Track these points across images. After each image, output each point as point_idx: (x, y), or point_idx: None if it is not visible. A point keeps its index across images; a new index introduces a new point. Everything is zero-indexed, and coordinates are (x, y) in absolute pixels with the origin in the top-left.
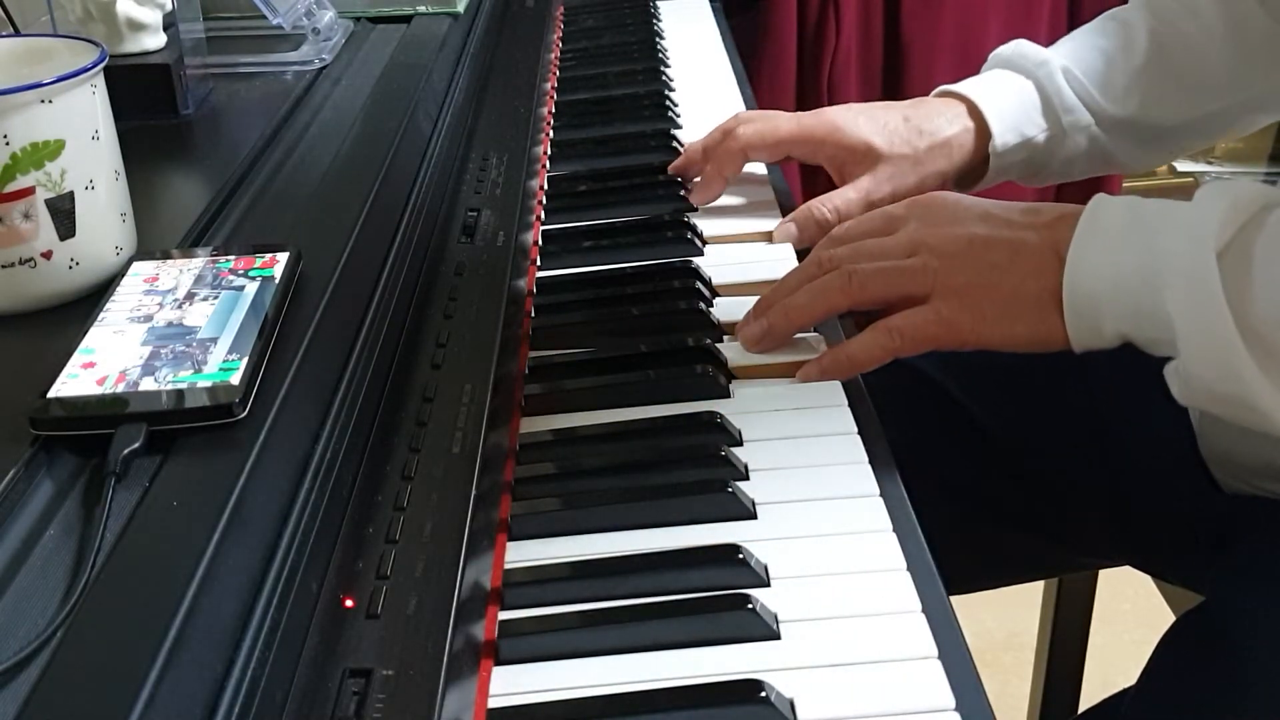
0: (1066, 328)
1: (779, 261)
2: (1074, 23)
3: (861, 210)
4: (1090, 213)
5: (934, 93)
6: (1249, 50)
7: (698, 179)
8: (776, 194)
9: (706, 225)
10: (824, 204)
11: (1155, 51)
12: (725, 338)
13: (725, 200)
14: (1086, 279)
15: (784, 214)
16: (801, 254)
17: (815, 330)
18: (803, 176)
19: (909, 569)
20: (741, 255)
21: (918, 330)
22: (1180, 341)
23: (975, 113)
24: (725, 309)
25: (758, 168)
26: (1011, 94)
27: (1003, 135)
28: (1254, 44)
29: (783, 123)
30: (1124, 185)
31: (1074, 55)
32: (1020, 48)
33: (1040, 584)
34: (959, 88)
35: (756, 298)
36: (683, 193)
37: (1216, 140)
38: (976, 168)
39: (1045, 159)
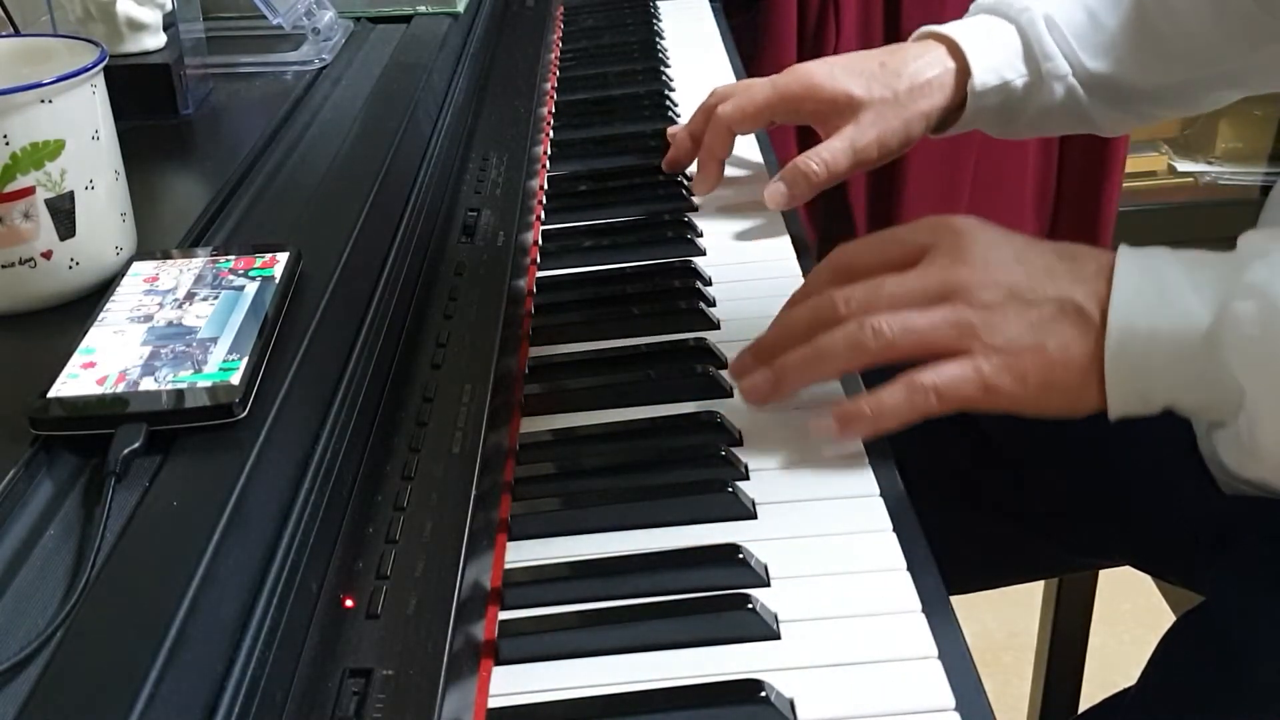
0: (1107, 396)
1: (779, 260)
2: None
3: (849, 160)
4: (1126, 270)
5: (914, 35)
6: (1229, 26)
7: (693, 169)
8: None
9: (706, 225)
10: (810, 158)
11: (1137, 13)
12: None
13: (728, 212)
14: (1138, 347)
15: (782, 214)
16: (801, 255)
17: None
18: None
19: (909, 569)
20: (742, 255)
21: (957, 393)
22: (1249, 406)
23: (957, 53)
24: (725, 309)
25: (753, 154)
26: (993, 36)
27: (982, 75)
28: (1234, 21)
29: (758, 90)
30: (1123, 185)
31: (1058, 5)
32: None
33: (1040, 584)
34: (942, 29)
35: (751, 289)
36: (684, 192)
37: (1187, 113)
38: (955, 110)
39: (1020, 106)
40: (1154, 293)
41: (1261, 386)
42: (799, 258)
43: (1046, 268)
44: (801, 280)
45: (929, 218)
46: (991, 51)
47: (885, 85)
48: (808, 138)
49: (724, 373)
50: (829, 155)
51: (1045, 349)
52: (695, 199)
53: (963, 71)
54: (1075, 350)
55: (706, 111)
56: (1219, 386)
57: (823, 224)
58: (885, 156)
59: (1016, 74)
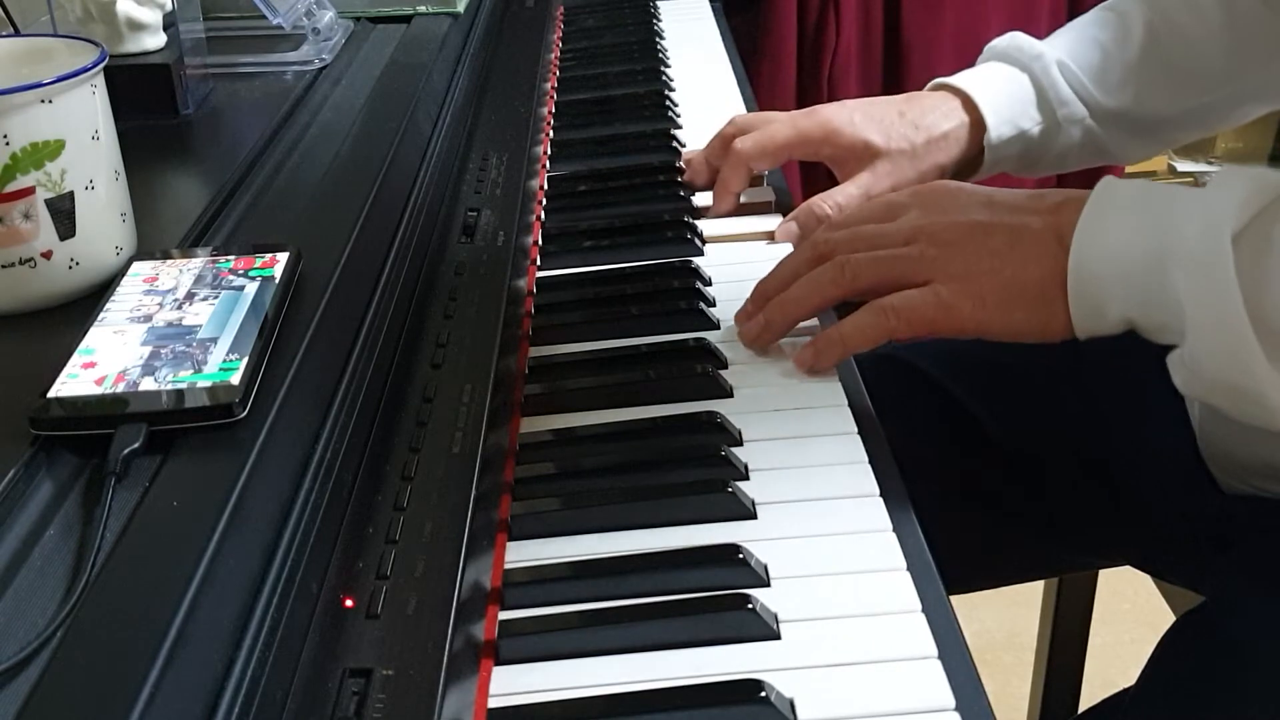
0: (1070, 312)
1: (779, 260)
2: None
3: None
4: (1098, 195)
5: (929, 85)
6: (1245, 41)
7: (707, 192)
8: (776, 193)
9: (707, 226)
10: (825, 201)
11: (1150, 43)
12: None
13: (727, 214)
14: (1093, 262)
15: (783, 213)
16: None
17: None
18: (802, 173)
19: (909, 569)
20: (742, 255)
21: (914, 311)
22: (1188, 328)
23: (970, 106)
24: (725, 309)
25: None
26: (1006, 87)
27: (998, 128)
28: (1251, 35)
29: (779, 130)
30: None
31: (1069, 48)
32: (1015, 40)
33: (1040, 584)
34: (954, 81)
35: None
36: (684, 192)
37: (1212, 131)
38: (973, 160)
39: (1040, 151)
40: (1116, 215)
41: (1201, 306)
42: None
43: (1010, 206)
44: None
45: (918, 185)
46: (1005, 104)
47: (903, 136)
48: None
49: (724, 373)
50: (843, 200)
51: (1001, 272)
52: (695, 199)
53: (977, 125)
54: (1034, 271)
55: (725, 141)
56: (1166, 306)
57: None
58: None
59: (1032, 122)
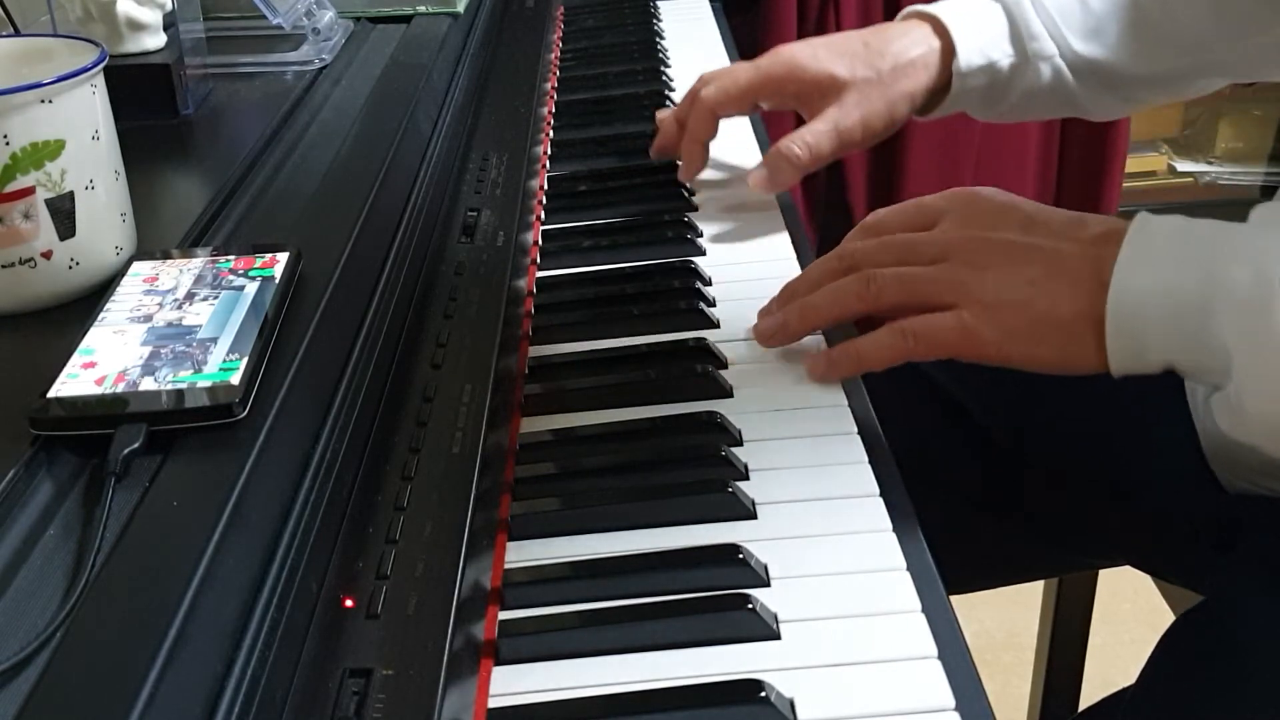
0: (1107, 352)
1: (779, 260)
2: None
3: (833, 143)
4: (1136, 233)
5: (900, 14)
6: (1224, 16)
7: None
8: (779, 205)
9: (706, 225)
10: (793, 141)
11: None
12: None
13: (728, 212)
14: (1133, 304)
15: (782, 214)
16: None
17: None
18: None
19: (909, 569)
20: (742, 255)
21: (935, 336)
22: (1237, 372)
23: (942, 31)
24: (725, 309)
25: (750, 148)
26: (979, 15)
27: (968, 56)
28: (1231, 12)
29: (741, 73)
30: (1123, 185)
31: None
32: None
33: (1040, 584)
34: (927, 8)
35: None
36: (684, 192)
37: (1179, 98)
38: (940, 90)
39: (1006, 87)
40: (1156, 253)
41: (1249, 351)
42: (798, 257)
43: (1048, 228)
44: None
45: (956, 189)
46: (977, 31)
47: (869, 65)
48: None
49: (724, 373)
50: (811, 138)
51: (1033, 304)
52: (695, 198)
53: (947, 51)
54: (1065, 307)
55: (692, 96)
56: (1211, 349)
57: (822, 223)
58: (870, 139)
59: (1002, 54)
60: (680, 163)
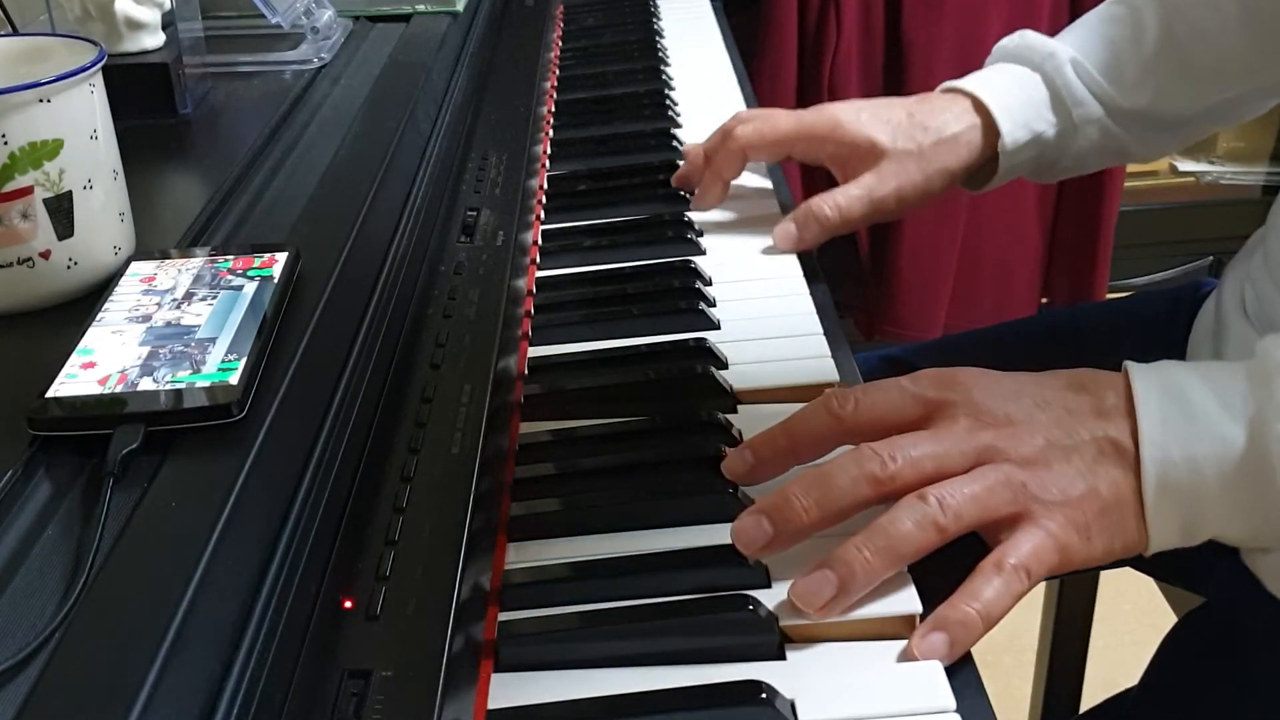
0: (1149, 534)
1: (779, 260)
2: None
3: (864, 209)
4: (1146, 396)
5: (939, 88)
6: (1265, 35)
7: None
8: (781, 207)
9: (706, 225)
10: (825, 201)
11: (1166, 40)
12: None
13: (728, 212)
14: (1179, 477)
15: (782, 214)
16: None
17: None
18: (803, 177)
19: (910, 569)
20: (743, 255)
21: (1042, 564)
22: None
23: (982, 109)
24: (725, 309)
25: (761, 181)
26: (1019, 89)
27: (1012, 133)
28: (1269, 27)
29: (782, 121)
30: (1125, 184)
31: (1082, 45)
32: (1026, 39)
33: (1041, 585)
34: (964, 84)
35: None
36: (684, 192)
37: (1234, 124)
38: (985, 165)
39: (1057, 154)
40: (1183, 419)
41: None
42: (799, 257)
43: (1067, 408)
44: (802, 279)
45: (928, 371)
46: (1019, 106)
47: (910, 137)
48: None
49: (724, 373)
50: (845, 201)
51: (1099, 493)
52: (689, 185)
53: (989, 129)
54: (1124, 487)
55: (725, 131)
56: (1268, 512)
57: None
58: (901, 210)
59: (1047, 124)
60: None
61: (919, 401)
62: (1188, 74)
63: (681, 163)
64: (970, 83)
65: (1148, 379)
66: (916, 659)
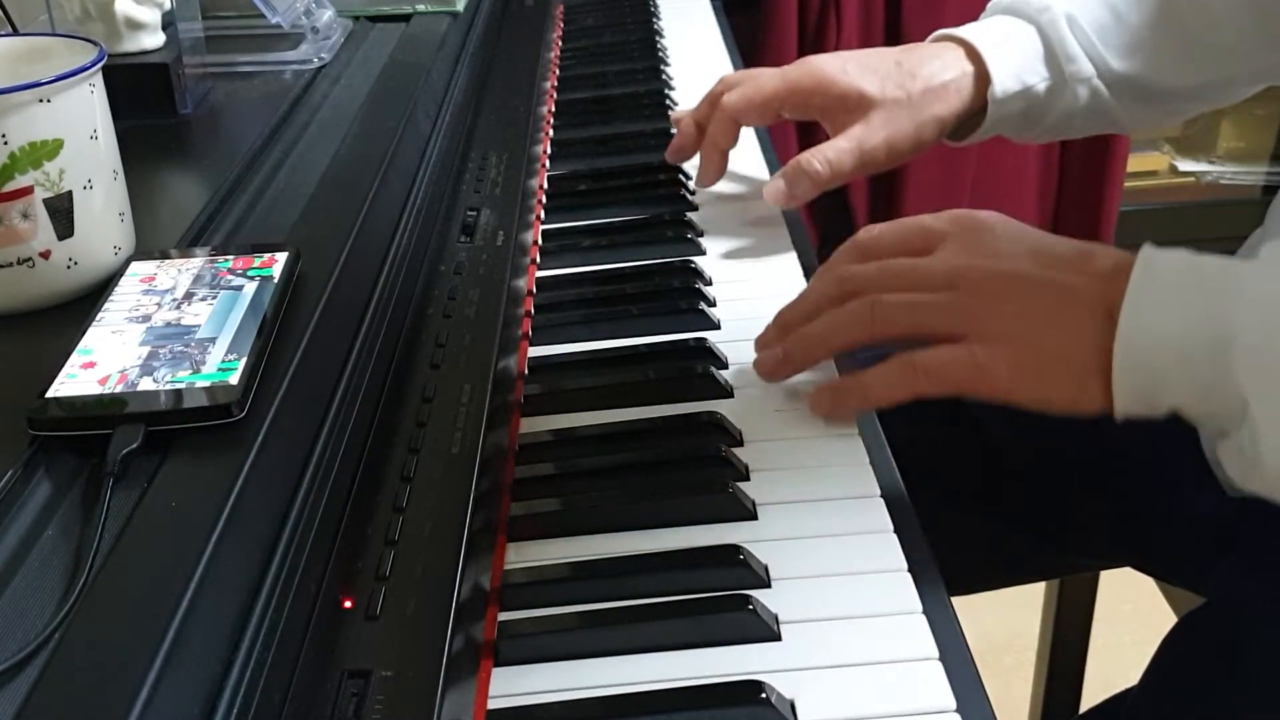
0: (1113, 396)
1: (779, 260)
2: None
3: (855, 161)
4: (1143, 269)
5: (931, 37)
6: (1265, 18)
7: (696, 162)
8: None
9: (706, 225)
10: (814, 156)
11: (1165, 9)
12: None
13: (728, 212)
14: (1146, 347)
15: (783, 213)
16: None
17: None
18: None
19: (910, 570)
20: (743, 256)
21: (946, 372)
22: (1251, 420)
23: (975, 57)
24: (725, 309)
25: (753, 151)
26: (1013, 40)
27: (1003, 82)
28: (1272, 13)
29: (767, 81)
30: (1125, 184)
31: (1079, 3)
32: None
33: (1041, 585)
34: (958, 31)
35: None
36: (684, 192)
37: (1224, 104)
38: (974, 116)
39: (1043, 110)
40: (1166, 295)
41: (1265, 398)
42: (799, 257)
43: (1058, 261)
44: (803, 279)
45: (956, 210)
46: (1011, 55)
47: (899, 85)
48: (809, 137)
49: (724, 373)
50: (834, 154)
51: (1044, 341)
52: (695, 198)
53: (981, 77)
54: (1075, 346)
55: (713, 100)
56: (1224, 395)
57: (823, 224)
58: (893, 160)
59: (1039, 78)
60: (695, 170)
61: (925, 233)
62: (1182, 47)
63: (680, 163)
64: (965, 31)
65: (1152, 256)
66: (810, 408)
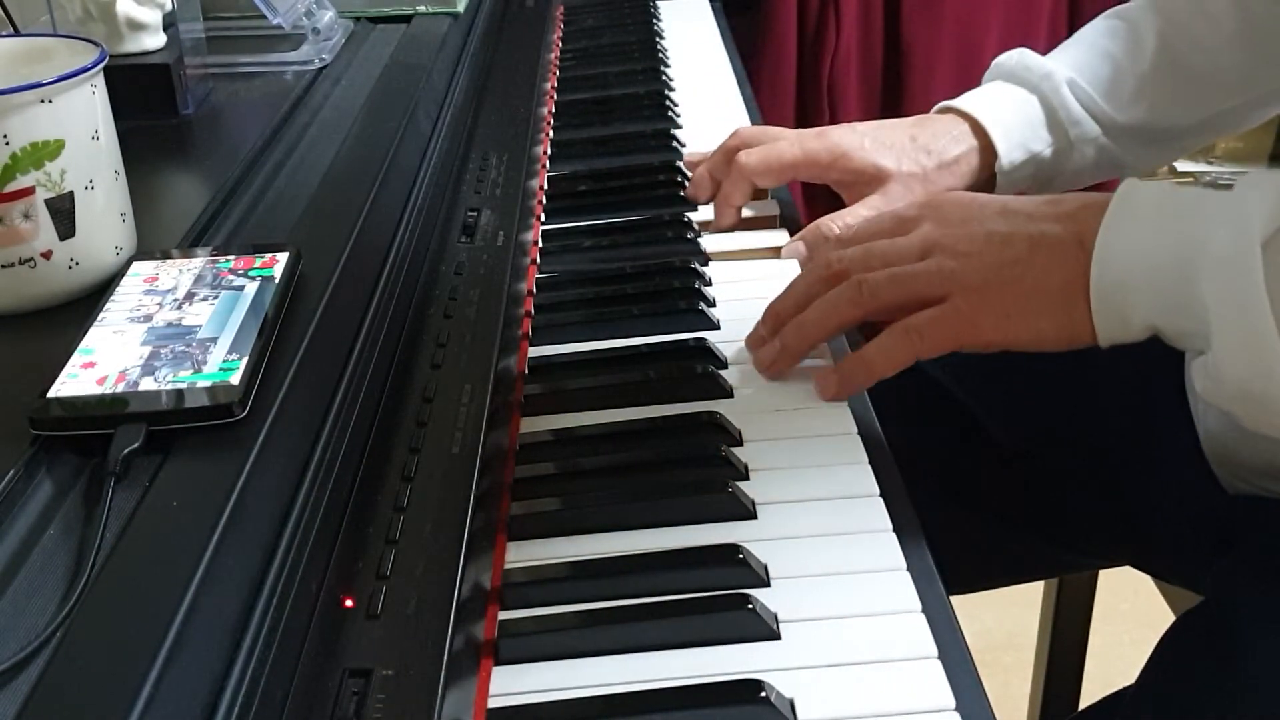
0: (1093, 319)
1: (779, 260)
2: (1074, 23)
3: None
4: (1120, 199)
5: (935, 108)
6: (1262, 45)
7: (709, 202)
8: (781, 206)
9: (710, 242)
10: (834, 222)
11: (1163, 53)
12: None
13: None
14: (1115, 267)
15: (786, 225)
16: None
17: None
18: (803, 186)
19: (909, 569)
20: (744, 259)
21: (939, 328)
22: (1214, 335)
23: (979, 131)
24: (725, 309)
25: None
26: (1015, 110)
27: (1009, 154)
28: (1267, 38)
29: (787, 149)
30: None
31: (1078, 63)
32: (1024, 59)
33: (1040, 584)
34: (961, 104)
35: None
36: (684, 193)
37: (1230, 134)
38: (985, 184)
39: (1053, 172)
40: (1142, 217)
41: (1227, 313)
42: (799, 259)
43: (1026, 213)
44: None
45: (926, 197)
46: (1015, 127)
47: (915, 161)
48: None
49: (724, 373)
50: (854, 221)
51: (1022, 281)
52: (697, 203)
53: (987, 150)
54: (1055, 279)
55: (728, 154)
56: (1192, 311)
57: None
58: None
59: (1043, 144)
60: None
61: (898, 219)
62: (1185, 86)
63: (681, 164)
64: (968, 103)
65: (1129, 186)
66: (817, 393)
